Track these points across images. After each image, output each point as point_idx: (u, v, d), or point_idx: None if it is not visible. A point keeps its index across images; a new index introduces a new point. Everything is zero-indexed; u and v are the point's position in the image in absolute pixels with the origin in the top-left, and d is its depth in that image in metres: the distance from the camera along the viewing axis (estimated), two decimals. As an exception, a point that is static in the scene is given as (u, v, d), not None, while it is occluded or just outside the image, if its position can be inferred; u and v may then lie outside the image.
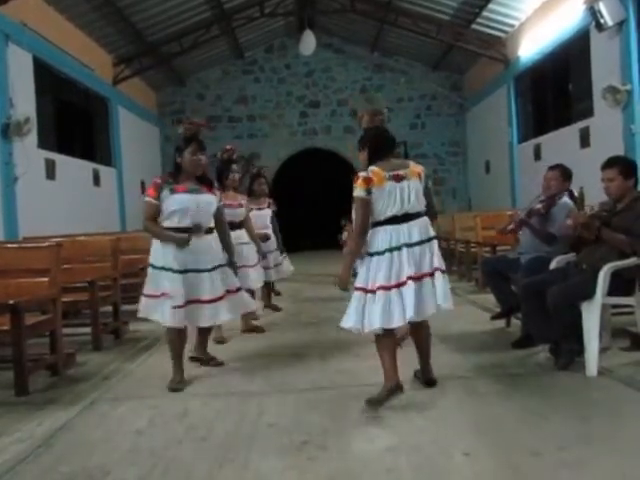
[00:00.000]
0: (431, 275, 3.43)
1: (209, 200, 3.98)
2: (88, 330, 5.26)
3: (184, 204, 3.84)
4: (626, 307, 4.23)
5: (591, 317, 3.78)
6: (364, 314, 3.37)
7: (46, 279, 4.37)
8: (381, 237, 3.40)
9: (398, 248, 3.38)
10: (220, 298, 3.95)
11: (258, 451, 2.83)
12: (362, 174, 3.42)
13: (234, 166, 5.28)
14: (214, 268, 3.95)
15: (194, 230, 3.83)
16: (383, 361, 3.47)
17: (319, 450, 2.81)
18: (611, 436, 2.81)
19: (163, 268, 3.85)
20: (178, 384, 3.90)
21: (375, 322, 3.32)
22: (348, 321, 3.42)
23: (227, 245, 4.19)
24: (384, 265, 3.37)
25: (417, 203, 3.47)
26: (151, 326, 5.28)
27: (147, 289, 3.96)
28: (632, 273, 3.85)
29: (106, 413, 3.51)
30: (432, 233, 3.56)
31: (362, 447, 2.82)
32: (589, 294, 3.78)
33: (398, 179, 3.41)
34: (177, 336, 3.96)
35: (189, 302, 3.84)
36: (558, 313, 3.81)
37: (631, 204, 3.90)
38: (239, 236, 5.16)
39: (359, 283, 3.45)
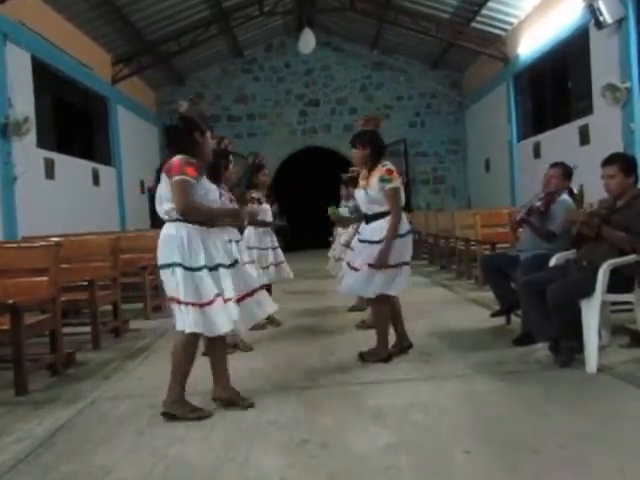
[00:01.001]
0: None
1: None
2: (88, 329, 5.26)
3: (214, 194, 3.42)
4: (625, 304, 4.23)
5: (591, 314, 3.78)
6: (391, 284, 4.17)
7: (45, 278, 4.37)
8: (404, 221, 4.21)
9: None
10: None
11: (259, 449, 2.83)
12: (393, 168, 4.15)
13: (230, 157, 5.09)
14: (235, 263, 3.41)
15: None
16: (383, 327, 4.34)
17: (320, 448, 2.81)
18: (611, 433, 2.81)
19: (206, 267, 3.19)
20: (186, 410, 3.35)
21: (393, 289, 4.20)
22: (376, 290, 4.17)
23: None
24: (409, 245, 4.23)
25: None
26: (151, 325, 5.30)
27: (191, 297, 3.17)
28: (631, 270, 3.85)
29: (106, 412, 3.51)
30: None
31: (362, 445, 2.82)
32: (589, 291, 3.78)
33: None
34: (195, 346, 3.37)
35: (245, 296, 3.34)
36: (558, 310, 3.80)
37: (631, 201, 3.89)
38: (233, 232, 4.91)
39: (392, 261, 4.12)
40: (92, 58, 11.60)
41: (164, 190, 3.22)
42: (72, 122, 11.24)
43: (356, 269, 4.22)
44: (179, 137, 3.32)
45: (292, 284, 8.83)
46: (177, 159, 3.20)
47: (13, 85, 8.26)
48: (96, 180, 11.72)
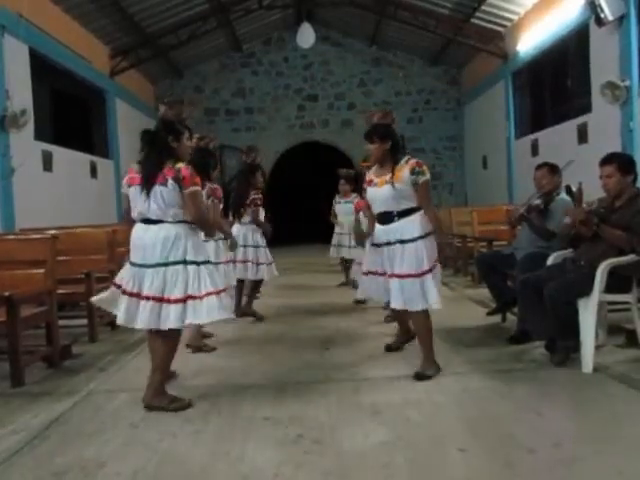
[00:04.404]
0: None
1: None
2: (84, 322, 5.26)
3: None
4: (622, 304, 4.24)
5: (588, 314, 3.78)
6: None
7: (42, 271, 4.35)
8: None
9: None
10: (161, 300, 3.31)
11: (253, 445, 2.83)
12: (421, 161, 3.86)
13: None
14: (158, 265, 3.39)
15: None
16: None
17: (314, 444, 2.81)
18: (606, 433, 2.82)
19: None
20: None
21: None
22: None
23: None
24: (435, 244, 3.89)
25: None
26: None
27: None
28: (629, 270, 3.84)
29: (101, 405, 3.51)
30: None
31: (358, 442, 2.82)
32: (586, 291, 3.78)
33: None
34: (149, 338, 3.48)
35: (131, 294, 3.40)
36: (555, 309, 3.80)
37: (630, 201, 3.88)
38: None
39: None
40: (90, 50, 11.53)
41: (172, 195, 3.31)
42: (70, 115, 11.18)
43: (401, 276, 3.74)
44: (157, 142, 3.40)
45: (289, 277, 8.84)
46: (186, 169, 3.32)
47: (11, 77, 8.21)
48: (94, 172, 11.67)
